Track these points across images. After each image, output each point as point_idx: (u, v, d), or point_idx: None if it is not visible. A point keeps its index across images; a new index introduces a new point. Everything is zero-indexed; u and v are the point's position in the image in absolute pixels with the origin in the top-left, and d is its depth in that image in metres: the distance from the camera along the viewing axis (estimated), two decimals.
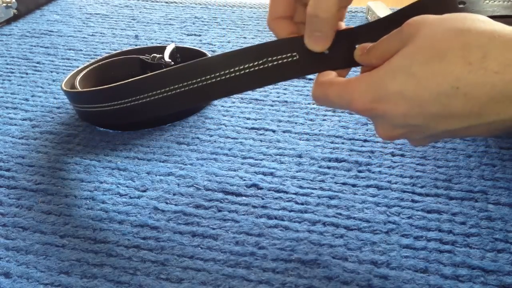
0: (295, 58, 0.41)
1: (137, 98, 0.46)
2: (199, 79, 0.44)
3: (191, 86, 0.44)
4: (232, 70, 0.42)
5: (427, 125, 0.35)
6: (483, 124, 0.33)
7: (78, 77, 0.61)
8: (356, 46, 0.40)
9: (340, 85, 0.37)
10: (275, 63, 0.42)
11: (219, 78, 0.43)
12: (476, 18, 0.33)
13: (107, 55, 0.68)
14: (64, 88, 0.58)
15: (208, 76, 0.43)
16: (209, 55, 0.63)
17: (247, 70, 0.42)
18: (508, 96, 0.31)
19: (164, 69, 0.46)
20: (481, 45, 0.32)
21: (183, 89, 0.44)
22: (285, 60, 0.42)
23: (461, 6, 0.42)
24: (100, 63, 0.65)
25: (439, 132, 0.35)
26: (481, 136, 0.36)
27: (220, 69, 0.43)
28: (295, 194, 0.46)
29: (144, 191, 0.47)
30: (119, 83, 0.50)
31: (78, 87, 0.59)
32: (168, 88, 0.44)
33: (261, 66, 0.42)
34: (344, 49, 0.41)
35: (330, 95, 0.38)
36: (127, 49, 0.69)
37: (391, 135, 0.37)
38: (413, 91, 0.34)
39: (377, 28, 0.42)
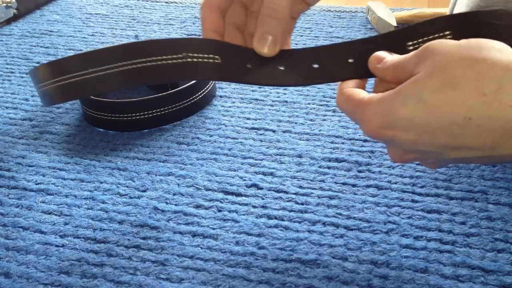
0: (216, 61, 0.40)
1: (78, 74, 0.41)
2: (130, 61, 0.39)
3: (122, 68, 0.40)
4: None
5: (439, 152, 0.34)
6: (497, 156, 0.32)
7: None
8: (374, 54, 0.39)
9: (354, 103, 0.37)
10: (194, 60, 0.40)
11: (142, 65, 0.39)
12: (492, 46, 0.32)
13: None
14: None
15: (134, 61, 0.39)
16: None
17: (162, 62, 0.39)
18: None
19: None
20: (496, 76, 0.31)
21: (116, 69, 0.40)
22: (205, 60, 0.40)
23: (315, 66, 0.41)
24: None
25: (451, 158, 0.34)
26: (497, 163, 0.35)
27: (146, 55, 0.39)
28: (295, 194, 0.46)
29: (144, 191, 0.47)
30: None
31: None
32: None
33: (181, 60, 0.39)
34: (268, 68, 0.40)
35: (346, 109, 0.38)
36: None
37: (404, 159, 0.36)
38: (423, 118, 0.33)
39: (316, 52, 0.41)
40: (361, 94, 0.37)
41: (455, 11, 0.56)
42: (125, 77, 0.41)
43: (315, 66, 0.40)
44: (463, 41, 0.33)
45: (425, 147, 0.34)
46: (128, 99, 0.64)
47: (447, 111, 0.32)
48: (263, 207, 0.45)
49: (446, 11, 0.66)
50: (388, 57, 0.38)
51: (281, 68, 0.40)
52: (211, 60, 0.40)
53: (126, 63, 0.40)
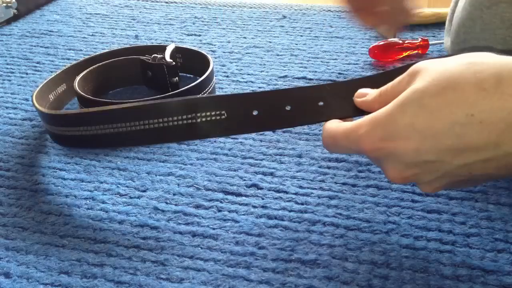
0: (223, 116, 0.42)
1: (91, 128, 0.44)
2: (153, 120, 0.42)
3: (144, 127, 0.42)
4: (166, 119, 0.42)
5: (441, 160, 0.33)
6: (501, 156, 0.31)
7: (78, 78, 0.60)
8: (357, 92, 0.39)
9: (347, 127, 0.36)
10: (203, 119, 0.42)
11: (152, 126, 0.42)
12: (484, 53, 0.32)
13: (103, 52, 0.67)
14: (36, 105, 0.52)
15: (138, 122, 0.42)
16: (209, 57, 0.63)
17: (176, 123, 0.42)
18: None
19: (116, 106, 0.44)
20: (495, 72, 0.31)
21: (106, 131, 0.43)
22: (213, 118, 0.42)
23: (320, 104, 0.42)
24: (100, 64, 0.65)
25: (453, 168, 0.33)
26: (500, 175, 0.33)
27: (153, 117, 0.42)
28: (295, 194, 0.46)
29: (144, 191, 0.47)
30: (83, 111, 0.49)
31: (77, 88, 0.59)
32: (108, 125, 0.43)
33: (190, 121, 0.42)
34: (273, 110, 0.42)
35: (338, 138, 0.37)
36: (123, 47, 0.69)
37: (403, 176, 0.34)
38: (425, 122, 0.32)
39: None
40: (346, 123, 0.37)
41: (456, 13, 0.56)
42: (142, 135, 0.43)
43: (321, 103, 0.42)
44: (452, 56, 0.34)
45: (427, 155, 0.33)
46: (127, 99, 0.64)
47: (449, 111, 0.31)
48: (263, 207, 0.45)
49: (446, 11, 0.65)
50: (371, 90, 0.38)
51: (288, 108, 0.42)
52: (218, 117, 0.42)
53: (145, 122, 0.42)
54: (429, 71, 0.33)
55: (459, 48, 0.53)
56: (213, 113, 0.42)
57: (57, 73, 0.62)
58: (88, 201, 0.46)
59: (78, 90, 0.58)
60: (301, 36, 0.80)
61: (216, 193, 0.47)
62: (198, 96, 0.53)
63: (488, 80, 0.30)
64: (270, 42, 0.78)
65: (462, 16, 0.54)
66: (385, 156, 0.35)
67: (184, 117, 0.42)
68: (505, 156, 0.31)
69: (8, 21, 0.88)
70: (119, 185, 0.48)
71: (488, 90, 0.30)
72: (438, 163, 0.33)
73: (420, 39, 0.72)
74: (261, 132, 0.55)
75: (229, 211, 0.45)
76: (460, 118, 0.31)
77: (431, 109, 0.32)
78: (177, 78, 0.63)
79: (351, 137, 0.36)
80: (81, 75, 0.61)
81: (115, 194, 0.47)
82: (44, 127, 0.54)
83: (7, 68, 0.72)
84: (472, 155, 0.32)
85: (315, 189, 0.47)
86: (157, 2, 0.97)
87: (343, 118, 0.39)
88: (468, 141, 0.31)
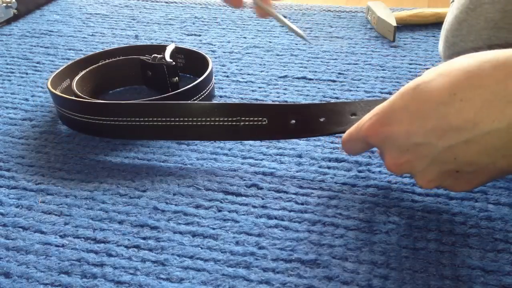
0: (264, 122, 0.49)
1: (126, 119, 0.52)
2: (180, 119, 0.50)
3: (170, 123, 0.51)
4: (209, 119, 0.50)
5: (428, 142, 0.35)
6: (479, 136, 0.33)
7: (76, 78, 0.60)
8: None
9: (353, 128, 0.42)
10: (246, 123, 0.49)
11: (195, 123, 0.50)
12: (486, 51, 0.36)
13: (101, 51, 0.67)
14: (52, 90, 0.57)
15: (187, 119, 0.50)
16: (208, 57, 0.63)
17: (221, 123, 0.50)
18: (500, 98, 0.32)
19: (147, 102, 0.52)
20: (479, 58, 0.34)
21: (160, 123, 0.51)
22: (255, 123, 0.49)
23: (352, 117, 0.48)
24: (100, 64, 0.65)
25: (440, 151, 0.35)
26: (483, 164, 0.35)
27: (198, 116, 0.50)
28: (295, 194, 0.46)
29: (144, 191, 0.47)
30: (114, 102, 0.55)
31: (75, 89, 0.58)
32: (149, 119, 0.51)
33: (234, 123, 0.49)
34: (309, 122, 0.49)
35: (351, 131, 0.42)
36: (121, 46, 0.69)
37: (399, 162, 0.38)
38: (416, 105, 0.35)
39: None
40: None
41: (449, 13, 0.56)
42: (193, 131, 0.51)
43: (353, 116, 0.48)
44: None
45: (416, 136, 0.35)
46: (127, 100, 0.64)
47: (437, 93, 0.34)
48: (263, 207, 0.45)
49: (446, 11, 0.65)
50: (352, 128, 0.42)
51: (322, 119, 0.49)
52: (259, 123, 0.49)
53: (194, 119, 0.50)
54: (433, 68, 0.37)
55: (450, 52, 0.55)
56: (255, 118, 0.48)
57: (61, 68, 0.63)
58: (88, 201, 0.46)
59: (76, 90, 0.58)
60: None
61: (216, 193, 0.47)
62: (243, 102, 0.60)
63: (472, 65, 0.34)
64: (270, 42, 0.78)
65: (450, 20, 0.56)
66: (383, 142, 0.38)
67: (229, 119, 0.49)
68: (483, 136, 0.33)
69: (8, 21, 0.88)
70: (119, 185, 0.48)
71: (471, 71, 0.33)
72: (426, 146, 0.35)
73: None
74: None
75: (229, 211, 0.44)
76: (444, 98, 0.34)
77: (423, 92, 0.35)
78: (177, 78, 0.63)
79: (358, 126, 0.40)
80: (80, 74, 0.61)
81: (115, 194, 0.47)
82: (64, 114, 0.57)
83: (7, 68, 0.72)
84: (454, 136, 0.34)
85: (315, 189, 0.47)
86: (157, 2, 0.97)
87: None
88: (449, 120, 0.34)
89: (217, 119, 0.49)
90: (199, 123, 0.50)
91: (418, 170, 0.38)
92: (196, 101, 0.57)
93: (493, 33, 0.51)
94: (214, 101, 0.63)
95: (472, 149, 0.34)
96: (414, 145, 0.36)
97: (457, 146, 0.34)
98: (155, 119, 0.50)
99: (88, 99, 0.56)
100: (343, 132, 0.47)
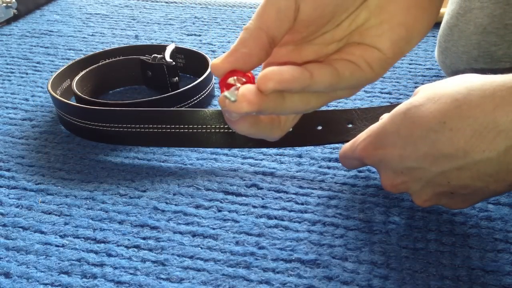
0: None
1: (124, 126, 0.52)
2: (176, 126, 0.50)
3: (168, 130, 0.51)
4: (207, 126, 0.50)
5: (421, 167, 0.36)
6: (471, 164, 0.33)
7: (76, 78, 0.60)
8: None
9: (353, 140, 0.42)
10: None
11: (191, 130, 0.50)
12: (473, 74, 0.36)
13: (101, 51, 0.67)
14: (52, 93, 0.56)
15: (182, 126, 0.50)
16: (208, 57, 0.63)
17: (217, 130, 0.50)
18: (489, 129, 0.32)
19: (146, 110, 0.52)
20: (467, 85, 0.34)
21: (158, 130, 0.51)
22: None
23: (349, 126, 0.49)
24: (100, 64, 0.65)
25: (433, 176, 0.35)
26: (478, 188, 0.35)
27: (194, 123, 0.50)
28: (295, 194, 0.46)
29: (144, 191, 0.47)
30: (111, 108, 0.54)
31: (75, 89, 0.58)
32: (142, 126, 0.51)
33: (230, 131, 0.49)
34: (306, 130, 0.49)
35: (345, 149, 0.43)
36: (121, 46, 0.69)
37: (394, 183, 0.38)
38: (407, 130, 0.36)
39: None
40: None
41: (445, 15, 0.57)
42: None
43: (349, 125, 0.49)
44: None
45: (409, 161, 0.36)
46: (127, 99, 0.64)
47: (427, 120, 0.34)
48: (263, 207, 0.45)
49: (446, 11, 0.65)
50: (347, 145, 0.43)
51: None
52: None
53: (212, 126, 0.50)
54: (423, 88, 0.37)
55: (444, 57, 0.56)
56: None
57: (61, 69, 0.62)
58: (88, 201, 0.46)
59: (76, 90, 0.58)
60: None
61: (216, 193, 0.47)
62: None
63: (461, 92, 0.33)
64: None
65: (442, 26, 0.57)
66: (378, 163, 0.39)
67: (226, 126, 0.49)
68: (475, 164, 0.33)
69: (8, 21, 0.88)
70: (119, 185, 0.48)
71: (459, 100, 0.33)
72: (420, 170, 0.36)
73: None
74: None
75: (229, 211, 0.45)
76: (434, 125, 0.34)
77: (414, 117, 0.35)
78: (177, 78, 0.63)
79: (353, 147, 0.41)
80: (80, 75, 0.61)
81: (115, 194, 0.47)
82: (63, 117, 0.57)
83: (7, 68, 0.72)
84: (446, 162, 0.34)
85: (315, 189, 0.47)
86: (157, 2, 0.97)
87: None
88: (440, 148, 0.34)
89: (214, 126, 0.50)
90: (196, 131, 0.50)
91: (414, 191, 0.38)
92: (194, 108, 0.56)
93: (482, 38, 0.51)
94: (213, 102, 0.63)
95: (465, 175, 0.34)
96: (408, 169, 0.36)
97: (450, 172, 0.35)
98: (152, 126, 0.51)
99: (88, 99, 0.56)
100: (341, 142, 0.49)
